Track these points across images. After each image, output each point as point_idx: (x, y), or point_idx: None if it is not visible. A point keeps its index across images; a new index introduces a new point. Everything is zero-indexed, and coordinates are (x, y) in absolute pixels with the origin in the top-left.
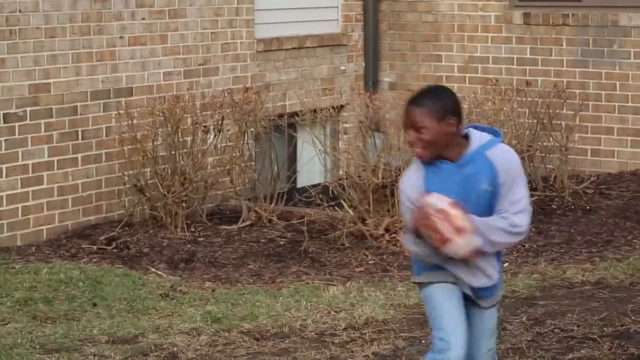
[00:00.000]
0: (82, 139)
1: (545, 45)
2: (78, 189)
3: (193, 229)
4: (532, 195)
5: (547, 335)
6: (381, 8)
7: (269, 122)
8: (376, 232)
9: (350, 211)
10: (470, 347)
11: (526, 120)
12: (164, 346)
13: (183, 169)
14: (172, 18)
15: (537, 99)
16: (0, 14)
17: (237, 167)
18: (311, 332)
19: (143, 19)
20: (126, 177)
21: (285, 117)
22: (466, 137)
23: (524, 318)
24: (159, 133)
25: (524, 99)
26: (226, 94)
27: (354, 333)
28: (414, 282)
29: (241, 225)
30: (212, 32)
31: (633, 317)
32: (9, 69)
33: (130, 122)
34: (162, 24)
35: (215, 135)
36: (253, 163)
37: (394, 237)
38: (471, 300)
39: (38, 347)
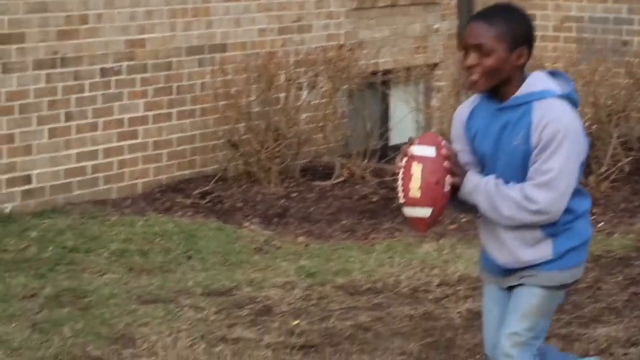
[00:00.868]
0: (177, 94)
1: None
2: (173, 143)
3: (286, 185)
4: (628, 156)
5: None
6: None
7: (362, 79)
8: None
9: None
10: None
11: (623, 80)
12: (258, 299)
13: (276, 125)
14: None
15: (633, 59)
16: None
17: (330, 124)
18: (404, 288)
19: None
20: (220, 133)
21: (379, 74)
22: (524, 79)
23: (620, 278)
24: (253, 89)
25: (621, 58)
26: (320, 51)
27: (447, 289)
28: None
29: (334, 182)
30: None
31: None
32: (106, 24)
33: (224, 78)
34: None
35: (308, 92)
36: (346, 120)
37: None
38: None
39: (134, 297)
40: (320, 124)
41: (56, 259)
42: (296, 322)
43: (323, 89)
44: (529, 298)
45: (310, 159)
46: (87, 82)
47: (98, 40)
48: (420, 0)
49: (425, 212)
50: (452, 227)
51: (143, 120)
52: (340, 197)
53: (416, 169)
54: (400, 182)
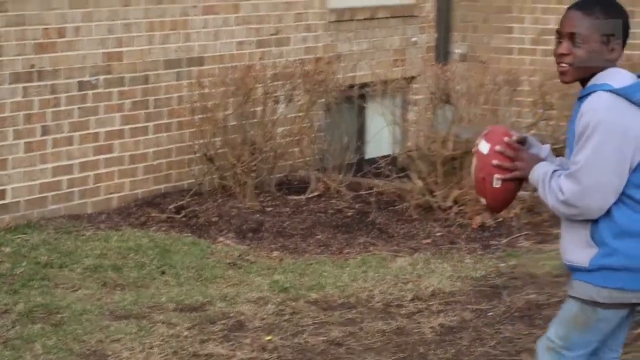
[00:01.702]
0: (154, 107)
1: None
2: (149, 157)
3: (262, 199)
4: None
5: None
6: None
7: (339, 92)
8: (444, 204)
9: (419, 183)
10: None
11: None
12: (231, 314)
13: (253, 138)
14: None
15: None
16: None
17: (307, 138)
18: (378, 302)
19: None
20: (196, 146)
21: (356, 87)
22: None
23: None
24: (230, 102)
25: None
26: (297, 64)
27: (420, 304)
28: None
29: (309, 196)
30: (284, 2)
31: None
32: (83, 37)
33: (201, 91)
34: None
35: (285, 106)
36: (322, 134)
37: (461, 210)
38: None
39: (107, 313)
40: (297, 138)
41: (30, 274)
42: (269, 337)
43: (300, 103)
44: (568, 306)
45: (286, 173)
46: (63, 96)
47: (75, 54)
48: (399, 13)
49: (482, 200)
50: (426, 241)
51: (119, 134)
52: (316, 212)
53: (473, 162)
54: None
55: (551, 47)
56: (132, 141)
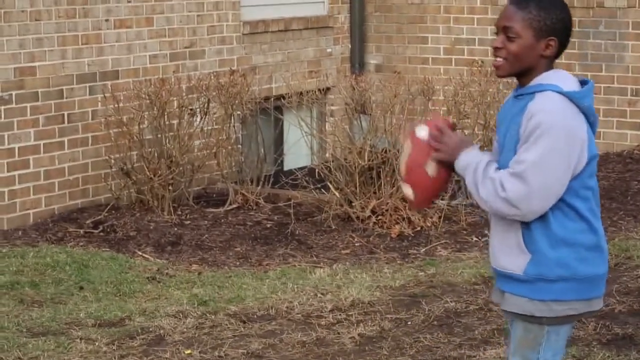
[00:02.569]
0: (68, 122)
1: None
2: (64, 172)
3: (180, 212)
4: None
5: None
6: None
7: (255, 104)
8: (362, 214)
9: (337, 193)
10: None
11: None
12: (151, 329)
13: (169, 152)
14: (157, 1)
15: None
16: None
17: (224, 150)
18: (297, 314)
19: (129, 1)
20: (112, 161)
21: (272, 99)
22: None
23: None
24: (145, 116)
25: (510, 80)
26: (212, 77)
27: (340, 315)
28: None
29: (228, 208)
30: (198, 15)
31: (618, 298)
32: None
33: (116, 105)
34: (148, 7)
35: (201, 118)
36: (239, 146)
37: (380, 219)
38: None
39: (25, 330)
40: (214, 151)
41: None
42: (189, 351)
43: (216, 115)
44: (514, 328)
45: (204, 185)
46: None
47: None
48: (313, 24)
49: (408, 191)
50: (345, 252)
51: (34, 149)
52: (234, 224)
53: (406, 147)
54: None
55: (465, 56)
56: (47, 156)
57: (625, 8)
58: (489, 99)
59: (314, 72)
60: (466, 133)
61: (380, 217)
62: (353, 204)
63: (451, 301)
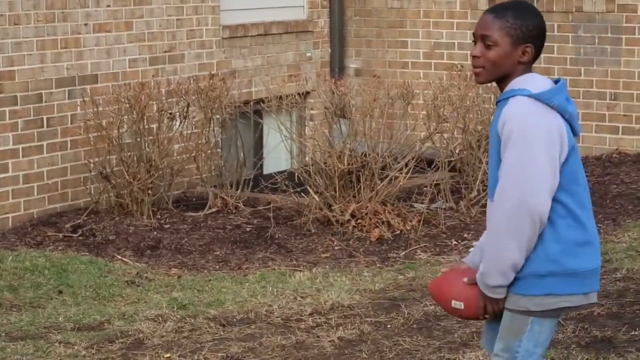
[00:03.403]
0: (47, 126)
1: None
2: (43, 176)
3: (159, 216)
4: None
5: None
6: None
7: (234, 108)
8: (342, 217)
9: (316, 197)
10: None
11: (491, 106)
12: (130, 333)
13: (149, 156)
14: (137, 5)
15: None
16: None
17: (203, 154)
18: (277, 317)
19: (108, 5)
20: (92, 165)
21: (251, 103)
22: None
23: None
24: (125, 120)
25: (489, 84)
26: (192, 81)
27: (319, 318)
28: None
29: (207, 212)
30: (177, 19)
31: (597, 300)
32: None
33: (95, 109)
34: (127, 11)
35: (180, 122)
36: (219, 150)
37: (359, 223)
38: None
39: (3, 334)
40: (193, 155)
41: None
42: (168, 355)
43: (195, 119)
44: (503, 319)
45: (184, 189)
46: None
47: None
48: (293, 28)
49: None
50: (324, 255)
51: (13, 153)
52: (214, 228)
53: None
54: None
55: (444, 60)
56: (26, 160)
57: (604, 13)
58: (468, 103)
59: (294, 76)
60: (445, 137)
61: (359, 220)
62: (333, 208)
63: (430, 304)
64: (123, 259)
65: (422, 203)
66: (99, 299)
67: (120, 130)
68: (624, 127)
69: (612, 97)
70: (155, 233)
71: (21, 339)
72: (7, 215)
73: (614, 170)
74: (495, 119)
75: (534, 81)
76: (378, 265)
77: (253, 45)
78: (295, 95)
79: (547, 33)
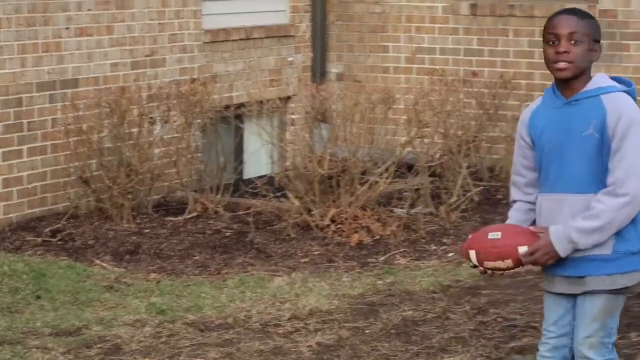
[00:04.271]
0: (28, 130)
1: (491, 36)
2: (23, 181)
3: (139, 221)
4: (477, 186)
5: (489, 324)
6: None
7: (215, 113)
8: (322, 222)
9: (296, 202)
10: None
11: (472, 111)
12: (108, 338)
13: (129, 160)
14: (118, 9)
15: (483, 90)
16: None
17: (184, 159)
18: (255, 322)
19: (89, 9)
20: (72, 169)
21: (232, 108)
22: (590, 78)
23: (468, 307)
24: (105, 124)
25: (471, 89)
26: (173, 85)
27: (298, 323)
28: None
29: (187, 217)
30: (159, 23)
31: None
32: None
33: (76, 113)
34: (109, 15)
35: (161, 127)
36: (199, 154)
37: (339, 228)
38: None
39: None
40: (174, 159)
41: None
42: None
43: (176, 124)
44: (592, 304)
45: (164, 194)
46: None
47: None
48: (274, 33)
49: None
50: (304, 260)
51: None
52: (194, 233)
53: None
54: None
55: (426, 65)
56: (5, 164)
57: None
58: (449, 108)
59: (275, 80)
60: (426, 142)
61: (339, 225)
62: (312, 213)
63: (409, 310)
64: (102, 263)
65: (402, 208)
66: (77, 304)
67: (101, 135)
68: None
69: None
70: (134, 238)
71: None
72: None
73: None
74: (585, 113)
75: (611, 80)
76: (357, 270)
77: (235, 50)
78: (276, 100)
79: (530, 38)
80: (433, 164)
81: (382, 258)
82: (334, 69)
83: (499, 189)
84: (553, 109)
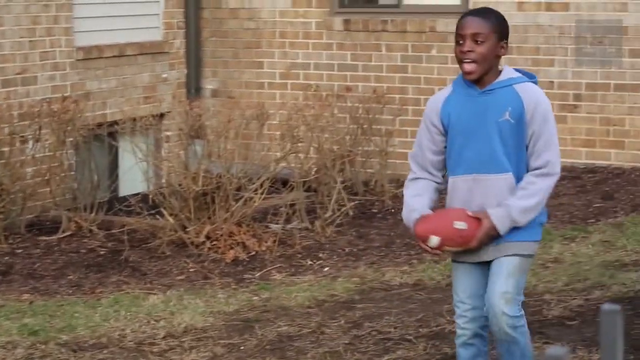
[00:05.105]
0: None
1: (365, 51)
2: None
3: (11, 241)
4: (352, 200)
5: (364, 338)
6: (203, 15)
7: (88, 131)
8: (197, 239)
9: (171, 219)
10: None
11: (347, 126)
12: None
13: (0, 180)
14: None
15: (357, 104)
16: None
17: (57, 177)
18: (130, 341)
19: None
20: None
21: (105, 126)
22: (499, 71)
23: (342, 321)
24: None
25: (345, 104)
26: (44, 104)
27: (172, 341)
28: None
29: (61, 236)
30: (30, 41)
31: (448, 317)
32: None
33: None
34: None
35: (33, 146)
36: (73, 173)
37: (215, 245)
38: None
39: None
40: (46, 178)
41: None
42: None
43: (48, 142)
44: (508, 263)
45: (37, 213)
46: None
47: None
48: (148, 50)
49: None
50: (179, 278)
51: None
52: (67, 252)
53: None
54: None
55: (300, 81)
56: None
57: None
58: (323, 122)
59: (149, 97)
60: (300, 157)
61: (214, 242)
62: (187, 230)
63: (284, 325)
64: None
65: (277, 223)
66: None
67: None
68: None
69: None
70: (7, 258)
71: None
72: None
73: None
74: (499, 101)
75: (518, 72)
76: (233, 286)
77: (108, 67)
78: (150, 117)
79: (402, 53)
80: (308, 179)
81: (258, 274)
82: (208, 85)
83: (374, 203)
84: (467, 97)
